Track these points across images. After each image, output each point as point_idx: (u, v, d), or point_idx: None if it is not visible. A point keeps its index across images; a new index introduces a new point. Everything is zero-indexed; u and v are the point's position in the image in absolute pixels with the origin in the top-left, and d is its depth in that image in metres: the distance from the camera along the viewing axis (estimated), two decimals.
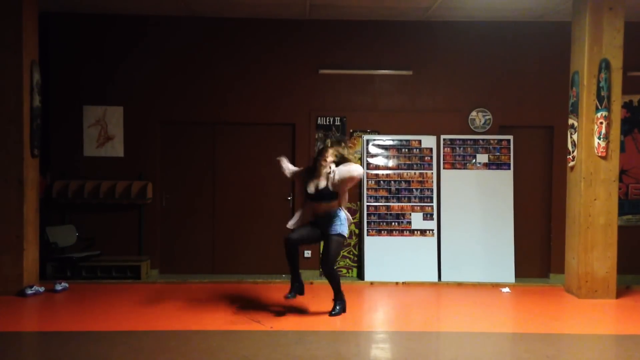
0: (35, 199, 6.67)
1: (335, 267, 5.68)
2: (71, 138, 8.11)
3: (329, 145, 5.61)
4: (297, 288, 5.75)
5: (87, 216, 8.06)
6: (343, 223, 5.63)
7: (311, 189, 5.56)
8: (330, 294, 5.77)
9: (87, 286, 6.97)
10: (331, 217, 5.59)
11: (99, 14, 8.06)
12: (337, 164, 5.57)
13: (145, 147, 8.20)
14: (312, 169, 5.66)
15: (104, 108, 8.13)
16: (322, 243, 5.91)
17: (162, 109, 8.21)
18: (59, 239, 7.52)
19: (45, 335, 5.23)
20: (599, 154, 6.44)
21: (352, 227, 8.21)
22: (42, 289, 6.47)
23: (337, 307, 5.65)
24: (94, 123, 8.14)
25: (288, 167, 5.91)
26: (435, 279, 7.84)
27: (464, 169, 8.11)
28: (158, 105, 8.20)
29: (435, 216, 8.02)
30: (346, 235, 5.73)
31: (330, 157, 5.55)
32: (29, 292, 6.32)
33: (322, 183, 5.55)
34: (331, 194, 5.53)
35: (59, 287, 6.59)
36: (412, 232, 8.00)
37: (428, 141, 8.13)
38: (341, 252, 5.67)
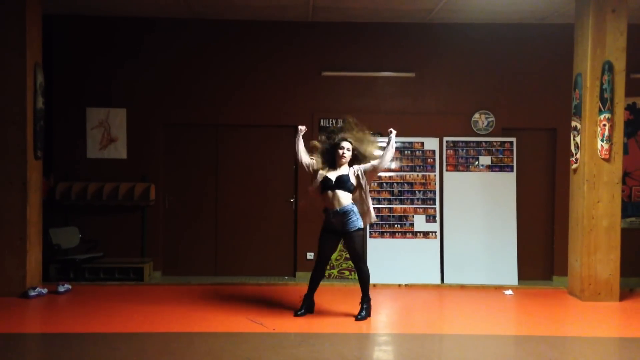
0: (38, 200, 6.68)
1: (365, 265, 5.65)
2: (74, 140, 8.13)
3: (343, 134, 5.59)
4: (309, 306, 5.75)
5: (90, 218, 8.07)
6: (359, 217, 5.54)
7: (332, 177, 5.52)
8: (333, 296, 5.77)
9: (90, 288, 6.97)
10: (347, 212, 5.47)
11: (102, 17, 8.08)
12: (355, 154, 5.56)
13: (148, 149, 8.21)
14: (330, 161, 5.61)
15: (107, 110, 8.15)
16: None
17: (165, 111, 8.22)
18: (62, 241, 7.53)
19: (48, 337, 5.23)
20: (602, 157, 6.43)
21: None
22: (45, 291, 6.48)
23: (364, 312, 5.59)
24: (97, 125, 8.15)
25: (304, 154, 5.71)
26: (438, 281, 7.84)
27: (466, 171, 8.11)
28: (161, 107, 8.21)
29: (438, 218, 8.01)
30: (363, 229, 5.63)
31: (347, 151, 5.53)
32: (32, 293, 6.33)
33: (343, 171, 5.52)
34: (350, 184, 5.49)
35: (61, 288, 6.59)
36: (414, 234, 8.00)
37: (431, 143, 8.13)
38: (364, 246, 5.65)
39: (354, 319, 5.59)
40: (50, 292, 6.53)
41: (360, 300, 5.67)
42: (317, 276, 5.69)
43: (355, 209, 5.54)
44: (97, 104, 8.15)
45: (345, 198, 5.49)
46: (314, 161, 5.72)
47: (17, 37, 6.36)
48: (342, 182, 5.48)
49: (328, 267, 8.14)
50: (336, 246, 5.76)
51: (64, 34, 8.13)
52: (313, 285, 5.72)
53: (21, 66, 6.39)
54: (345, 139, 5.59)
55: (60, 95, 8.11)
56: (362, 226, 5.57)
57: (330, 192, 5.50)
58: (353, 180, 5.53)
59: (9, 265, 6.38)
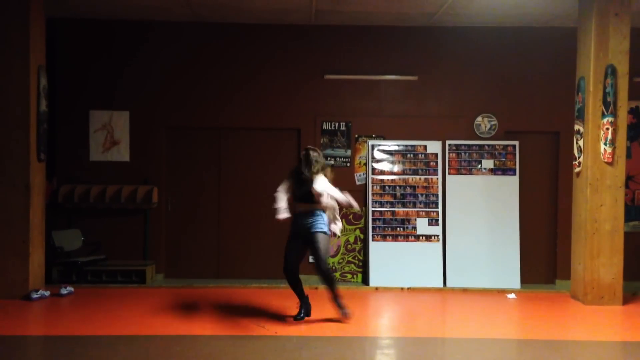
0: (41, 203, 6.70)
1: (329, 266, 5.64)
2: (77, 143, 8.14)
3: (318, 161, 5.73)
4: (306, 310, 5.77)
5: (93, 220, 8.07)
6: (325, 223, 5.65)
7: (299, 192, 5.67)
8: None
9: (92, 290, 6.98)
10: (313, 215, 5.62)
11: (105, 20, 8.10)
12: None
13: (151, 152, 8.22)
14: (300, 176, 5.72)
15: (110, 113, 8.16)
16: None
17: (168, 114, 8.23)
18: (65, 244, 7.53)
19: (50, 339, 5.24)
20: (605, 160, 6.42)
21: (357, 232, 8.20)
22: (47, 293, 6.49)
23: (345, 309, 5.66)
24: (100, 128, 8.17)
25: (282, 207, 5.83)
26: (441, 285, 7.82)
27: (469, 174, 8.10)
28: (164, 110, 8.22)
29: (440, 221, 8.00)
30: (329, 234, 5.70)
31: (318, 172, 5.65)
32: (35, 296, 6.34)
33: (307, 187, 5.63)
34: (313, 196, 5.61)
35: (64, 291, 6.61)
36: (417, 237, 7.98)
37: (433, 146, 8.12)
38: (330, 250, 5.76)
39: (356, 322, 5.59)
40: (53, 294, 6.55)
41: (332, 300, 5.70)
42: (293, 281, 5.71)
43: (324, 215, 5.66)
44: (100, 106, 8.17)
45: (311, 206, 5.63)
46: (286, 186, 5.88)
47: (20, 40, 6.39)
48: (306, 197, 5.62)
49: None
50: (303, 251, 5.78)
51: (67, 37, 8.15)
52: (297, 290, 5.75)
53: (25, 69, 6.42)
54: (309, 149, 5.73)
55: (63, 98, 8.13)
56: (328, 233, 5.66)
57: (297, 203, 5.69)
58: (316, 187, 5.61)
59: (11, 267, 6.40)
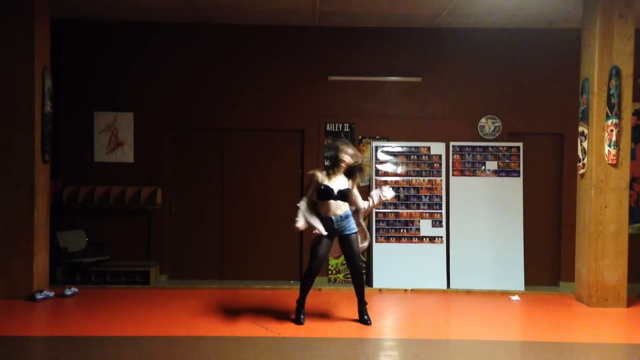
0: (45, 204, 6.71)
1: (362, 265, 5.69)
2: (82, 144, 8.17)
3: (347, 147, 5.69)
4: (304, 314, 5.72)
5: (97, 221, 8.10)
6: (354, 222, 5.70)
7: (333, 186, 5.55)
8: (339, 300, 5.74)
9: (97, 291, 7.00)
10: (348, 216, 5.62)
11: (110, 21, 8.13)
12: (351, 170, 5.65)
13: (155, 153, 8.24)
14: (330, 169, 5.67)
15: (114, 114, 8.19)
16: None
17: (172, 115, 8.25)
18: (69, 244, 7.56)
19: (54, 340, 5.25)
20: (610, 162, 6.40)
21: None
22: (51, 294, 6.51)
23: (369, 319, 5.66)
24: (104, 129, 8.19)
25: (304, 212, 5.68)
26: (444, 287, 7.81)
27: (473, 176, 8.09)
28: (168, 111, 8.24)
29: (444, 223, 7.99)
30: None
31: (348, 158, 5.62)
32: (39, 296, 6.35)
33: (343, 184, 5.59)
34: (348, 198, 5.63)
35: (68, 292, 6.62)
36: (420, 239, 7.98)
37: (437, 148, 8.12)
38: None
39: (360, 324, 5.59)
40: (57, 295, 6.56)
41: (359, 307, 5.67)
42: (311, 282, 5.67)
43: (350, 213, 5.67)
44: (105, 107, 8.19)
45: (345, 206, 5.62)
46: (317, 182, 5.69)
47: (25, 42, 6.40)
48: (344, 195, 5.59)
49: (333, 271, 8.17)
50: (330, 249, 5.78)
51: (72, 38, 8.18)
52: (306, 292, 5.69)
53: (29, 70, 6.43)
54: (348, 151, 5.66)
55: (68, 99, 8.16)
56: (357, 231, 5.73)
57: (332, 201, 5.57)
58: (352, 188, 5.66)
59: (16, 268, 6.41)
